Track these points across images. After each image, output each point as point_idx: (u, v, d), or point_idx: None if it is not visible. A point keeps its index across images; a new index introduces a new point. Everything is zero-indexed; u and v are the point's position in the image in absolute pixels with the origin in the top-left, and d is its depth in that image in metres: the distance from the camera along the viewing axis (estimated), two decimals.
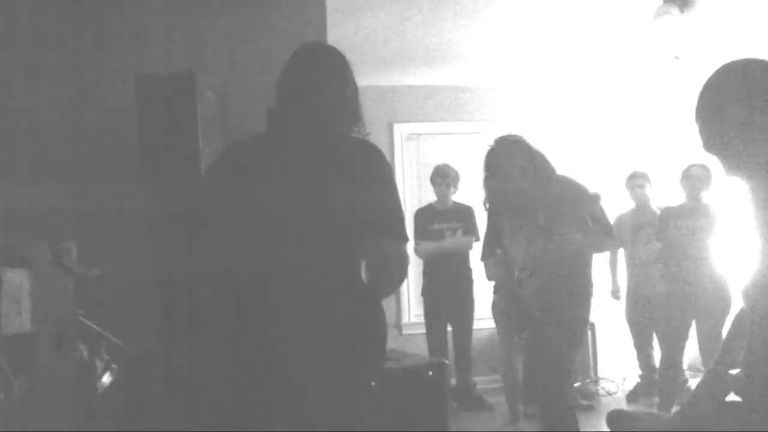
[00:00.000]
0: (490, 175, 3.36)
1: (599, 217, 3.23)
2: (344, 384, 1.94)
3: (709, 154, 1.68)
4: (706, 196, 4.96)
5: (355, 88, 2.10)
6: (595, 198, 3.18)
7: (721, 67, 1.65)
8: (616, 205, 5.85)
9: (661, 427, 1.86)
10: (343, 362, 1.93)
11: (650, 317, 5.44)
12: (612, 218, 5.50)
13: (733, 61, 1.65)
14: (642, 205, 5.62)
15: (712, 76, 1.65)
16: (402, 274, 2.05)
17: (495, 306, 4.85)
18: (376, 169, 2.02)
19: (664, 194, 5.66)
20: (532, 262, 3.28)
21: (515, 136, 3.36)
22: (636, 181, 5.64)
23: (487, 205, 3.56)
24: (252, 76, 3.49)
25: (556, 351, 3.27)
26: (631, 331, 5.68)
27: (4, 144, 2.96)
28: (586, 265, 3.34)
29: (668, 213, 5.09)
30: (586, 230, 3.16)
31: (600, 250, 3.41)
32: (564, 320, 3.28)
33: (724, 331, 4.99)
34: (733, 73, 1.63)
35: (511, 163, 3.22)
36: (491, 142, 3.39)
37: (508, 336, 4.41)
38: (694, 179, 4.94)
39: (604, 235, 3.25)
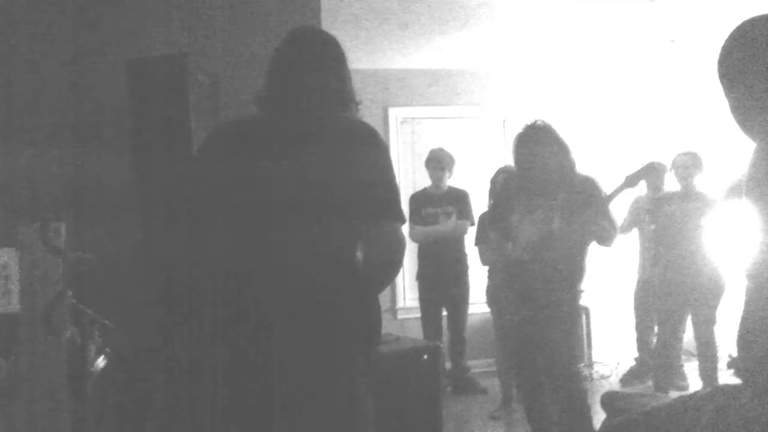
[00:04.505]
0: (520, 155, 3.46)
1: (608, 212, 3.43)
2: (337, 371, 1.92)
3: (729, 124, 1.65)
4: (699, 182, 4.96)
5: (348, 73, 2.07)
6: (608, 197, 3.43)
7: (743, 24, 1.60)
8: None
9: (655, 408, 1.86)
10: (336, 349, 1.91)
11: (651, 300, 5.46)
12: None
13: (754, 18, 1.60)
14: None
15: (734, 34, 1.60)
16: (398, 259, 2.02)
17: (489, 290, 4.88)
18: (371, 149, 1.99)
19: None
20: (538, 244, 3.36)
21: (545, 122, 3.50)
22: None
23: (497, 186, 3.65)
24: (245, 60, 3.47)
25: (563, 334, 3.38)
26: (635, 313, 5.70)
27: None
28: (585, 254, 3.49)
29: (662, 197, 5.10)
30: (596, 221, 3.37)
31: (607, 241, 3.51)
32: (560, 302, 3.38)
33: (718, 315, 5.02)
34: (758, 31, 1.58)
35: (543, 146, 3.40)
36: (521, 128, 3.53)
37: (502, 319, 4.46)
38: (682, 167, 4.94)
39: (612, 229, 3.45)
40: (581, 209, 3.34)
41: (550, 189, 3.39)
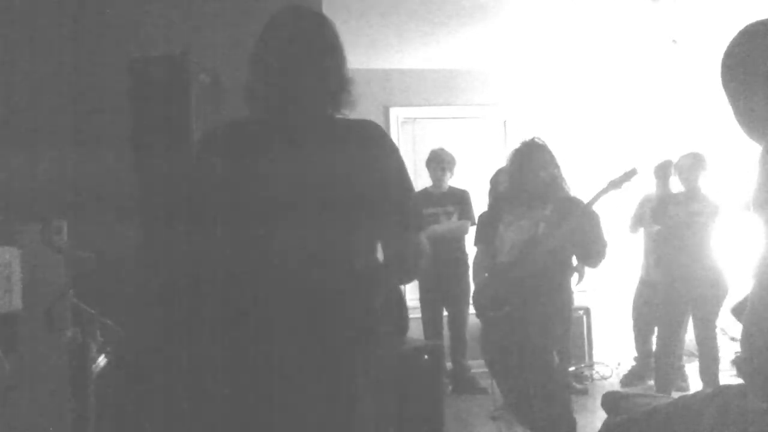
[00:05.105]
0: (514, 166, 3.67)
1: (598, 228, 3.55)
2: (340, 373, 1.91)
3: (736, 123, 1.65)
4: (703, 184, 4.95)
5: (344, 59, 1.92)
6: (590, 200, 3.55)
7: (746, 28, 1.60)
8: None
9: (656, 408, 1.85)
10: (338, 350, 1.90)
11: (651, 302, 5.45)
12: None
13: (756, 22, 1.59)
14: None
15: (737, 39, 1.60)
16: (420, 265, 1.97)
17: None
18: (386, 152, 1.90)
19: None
20: (521, 246, 3.51)
21: (542, 140, 3.71)
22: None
23: (499, 187, 3.91)
24: (246, 59, 3.46)
25: (544, 336, 3.44)
26: (634, 313, 5.69)
27: None
28: (570, 259, 3.62)
29: (665, 198, 5.09)
30: (581, 231, 3.49)
31: (590, 259, 3.63)
32: (540, 305, 3.47)
33: (720, 316, 5.01)
34: (759, 36, 1.57)
35: (537, 159, 3.61)
36: (518, 144, 3.77)
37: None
38: (686, 168, 4.94)
39: (599, 246, 3.56)
40: (566, 219, 3.47)
41: (539, 200, 3.55)
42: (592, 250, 3.54)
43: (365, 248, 1.94)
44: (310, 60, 1.86)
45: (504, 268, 3.58)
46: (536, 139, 3.70)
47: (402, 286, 6.70)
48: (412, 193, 1.99)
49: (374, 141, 1.91)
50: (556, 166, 3.63)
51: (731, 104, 1.61)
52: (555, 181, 3.61)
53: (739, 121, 1.61)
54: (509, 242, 3.56)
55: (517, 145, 3.76)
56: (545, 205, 3.55)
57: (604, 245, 3.56)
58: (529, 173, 3.58)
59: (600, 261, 3.60)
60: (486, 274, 3.76)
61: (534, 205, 3.56)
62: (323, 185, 1.84)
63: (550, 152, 3.64)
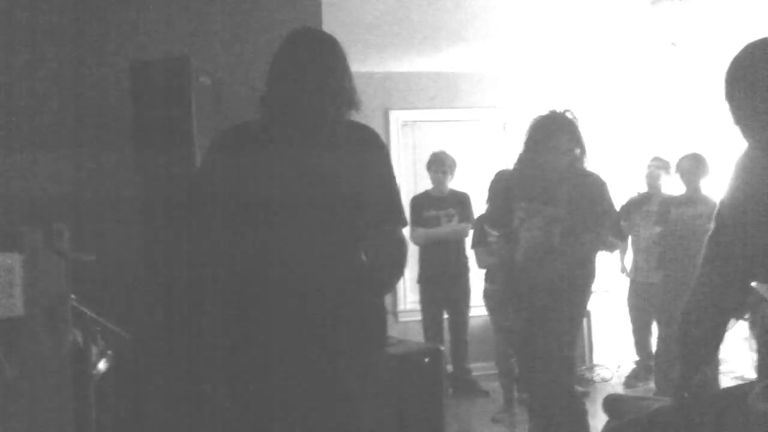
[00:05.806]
0: (528, 154, 3.26)
1: (615, 220, 3.33)
2: (341, 373, 1.93)
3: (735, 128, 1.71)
4: (705, 185, 4.96)
5: (349, 73, 2.07)
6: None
7: (748, 45, 1.68)
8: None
9: (657, 410, 1.86)
10: (340, 350, 1.92)
11: (650, 303, 5.45)
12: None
13: (759, 39, 1.68)
14: (652, 191, 5.57)
15: (738, 55, 1.68)
16: (402, 261, 2.06)
17: (487, 292, 4.87)
18: (373, 153, 2.02)
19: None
20: (539, 255, 3.30)
21: (571, 116, 3.25)
22: (654, 164, 5.57)
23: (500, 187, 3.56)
24: (247, 62, 3.47)
25: (555, 339, 3.32)
26: (631, 315, 5.69)
27: None
28: (591, 262, 3.39)
29: (667, 200, 5.10)
30: (600, 228, 3.27)
31: (610, 249, 3.46)
32: (562, 309, 3.32)
33: None
34: (759, 51, 1.66)
35: (563, 138, 3.17)
36: (544, 117, 3.24)
37: (501, 322, 4.43)
38: (686, 169, 4.95)
39: (619, 241, 3.36)
40: (586, 221, 3.19)
41: (551, 194, 3.28)
42: (614, 247, 3.43)
43: (357, 246, 2.01)
44: (315, 69, 2.02)
45: (519, 272, 3.36)
46: (567, 113, 3.21)
47: (401, 289, 6.73)
48: (396, 190, 2.07)
49: (365, 143, 2.03)
50: (581, 147, 3.18)
51: (732, 110, 1.65)
52: (573, 165, 3.17)
53: (739, 120, 1.65)
54: (524, 244, 3.31)
55: (541, 115, 3.23)
56: (557, 201, 3.20)
57: (624, 238, 3.47)
58: (544, 157, 3.15)
59: (618, 248, 3.50)
60: (497, 274, 3.64)
61: (545, 200, 3.21)
62: (318, 185, 1.93)
63: (576, 131, 3.17)
